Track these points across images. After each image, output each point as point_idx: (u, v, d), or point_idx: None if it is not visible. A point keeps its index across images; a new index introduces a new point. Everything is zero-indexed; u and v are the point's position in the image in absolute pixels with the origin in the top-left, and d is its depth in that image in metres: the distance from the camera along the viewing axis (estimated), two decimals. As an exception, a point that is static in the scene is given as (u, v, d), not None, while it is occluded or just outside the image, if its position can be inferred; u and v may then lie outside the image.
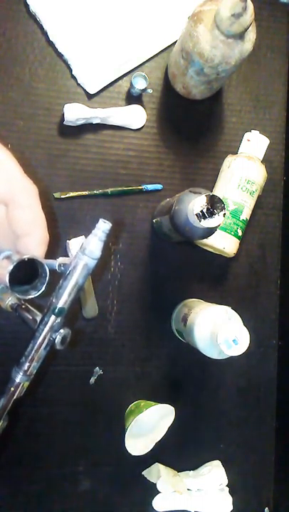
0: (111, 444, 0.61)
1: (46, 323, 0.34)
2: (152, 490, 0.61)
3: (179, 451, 0.63)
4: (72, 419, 0.61)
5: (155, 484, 0.61)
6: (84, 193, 0.61)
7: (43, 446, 0.60)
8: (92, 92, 0.61)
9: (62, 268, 0.34)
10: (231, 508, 0.61)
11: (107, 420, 0.62)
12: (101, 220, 0.33)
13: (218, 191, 0.63)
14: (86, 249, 0.33)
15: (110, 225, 0.33)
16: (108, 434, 0.62)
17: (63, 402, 0.61)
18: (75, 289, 0.33)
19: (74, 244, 0.58)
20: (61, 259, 0.34)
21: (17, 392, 0.35)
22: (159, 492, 0.61)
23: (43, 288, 0.33)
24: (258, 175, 0.62)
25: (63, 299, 0.33)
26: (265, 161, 0.64)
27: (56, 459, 0.61)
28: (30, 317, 0.36)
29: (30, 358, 0.34)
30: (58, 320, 0.34)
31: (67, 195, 0.60)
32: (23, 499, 0.60)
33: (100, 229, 0.33)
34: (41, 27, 0.60)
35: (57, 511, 0.61)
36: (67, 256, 0.58)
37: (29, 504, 0.60)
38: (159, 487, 0.61)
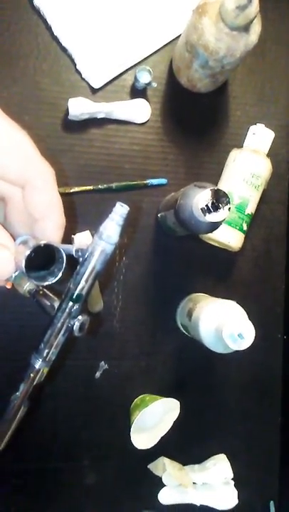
0: (116, 438, 0.62)
1: (64, 309, 0.34)
2: (158, 483, 0.61)
3: (184, 444, 0.63)
4: (77, 413, 0.61)
5: (161, 478, 0.61)
6: (88, 187, 0.61)
7: (48, 441, 0.61)
8: (96, 86, 0.61)
9: (80, 253, 0.33)
10: (236, 501, 0.62)
11: (113, 414, 0.62)
12: (118, 204, 0.32)
13: (223, 185, 0.63)
14: (103, 234, 0.32)
15: (128, 208, 0.32)
16: (113, 428, 0.62)
17: (69, 396, 0.61)
18: (93, 275, 0.33)
19: (79, 239, 0.58)
20: (78, 245, 0.34)
21: (37, 378, 0.35)
22: (164, 485, 0.61)
23: (60, 274, 0.32)
24: (264, 169, 0.61)
25: (81, 285, 0.33)
26: (270, 154, 0.63)
27: (61, 453, 0.61)
28: (48, 303, 0.36)
29: (48, 344, 0.34)
30: (76, 306, 0.34)
31: (71, 190, 0.60)
32: (28, 493, 0.61)
33: (117, 213, 0.32)
34: (45, 21, 0.60)
35: (62, 505, 0.61)
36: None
37: (34, 498, 0.61)
38: (164, 481, 0.61)
